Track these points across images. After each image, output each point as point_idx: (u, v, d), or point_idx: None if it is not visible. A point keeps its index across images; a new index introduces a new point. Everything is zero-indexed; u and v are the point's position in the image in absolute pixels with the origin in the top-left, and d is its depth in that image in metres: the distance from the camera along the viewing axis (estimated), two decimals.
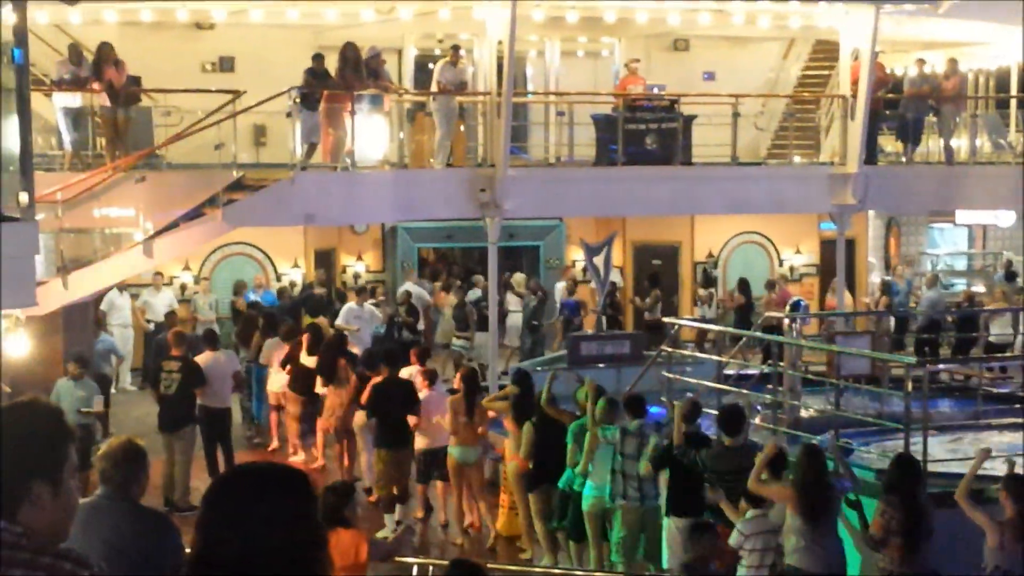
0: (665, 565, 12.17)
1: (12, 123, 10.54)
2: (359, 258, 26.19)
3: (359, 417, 16.51)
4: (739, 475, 11.08)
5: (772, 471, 10.79)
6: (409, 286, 24.03)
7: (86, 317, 18.80)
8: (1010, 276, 27.28)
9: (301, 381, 18.10)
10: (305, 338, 18.32)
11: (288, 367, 18.40)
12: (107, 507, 6.41)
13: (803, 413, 15.63)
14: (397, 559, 10.63)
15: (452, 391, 15.28)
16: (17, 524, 3.34)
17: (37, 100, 16.70)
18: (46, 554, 3.35)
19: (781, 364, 15.29)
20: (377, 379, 15.70)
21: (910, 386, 12.78)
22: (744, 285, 24.88)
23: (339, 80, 19.28)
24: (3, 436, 3.38)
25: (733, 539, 10.70)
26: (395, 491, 15.33)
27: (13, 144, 10.52)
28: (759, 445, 12.30)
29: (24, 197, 10.47)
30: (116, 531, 6.25)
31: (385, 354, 16.38)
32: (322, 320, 20.73)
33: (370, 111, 19.47)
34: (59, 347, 17.27)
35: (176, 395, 16.09)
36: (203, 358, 16.81)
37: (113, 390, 22.42)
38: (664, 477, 12.32)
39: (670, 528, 11.99)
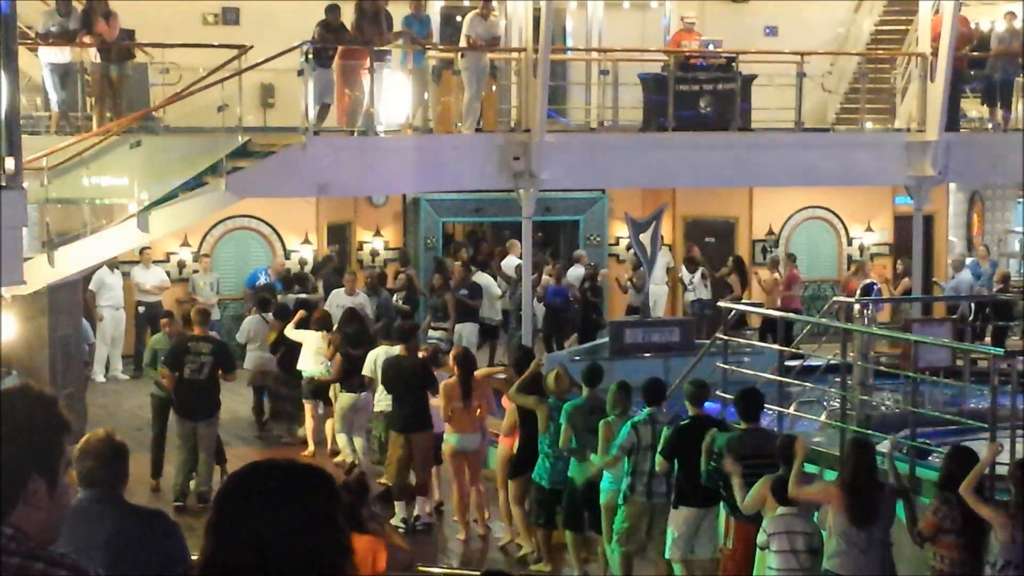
0: (667, 555, 12.47)
1: None
2: (377, 233, 26.21)
3: (343, 399, 17.15)
4: (755, 459, 11.42)
5: (788, 463, 10.90)
6: (512, 259, 24.05)
7: (74, 297, 18.90)
8: None
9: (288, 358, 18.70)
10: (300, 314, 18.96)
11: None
12: (100, 510, 6.42)
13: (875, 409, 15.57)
14: (420, 567, 10.69)
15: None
16: (7, 525, 3.33)
17: (21, 55, 16.71)
18: (38, 559, 3.33)
19: (851, 354, 15.23)
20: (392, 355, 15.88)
21: (996, 380, 12.70)
22: (739, 264, 24.83)
23: (356, 34, 19.30)
24: None
25: (759, 538, 10.88)
26: (411, 481, 15.48)
27: None
28: (773, 432, 12.81)
29: (10, 163, 10.53)
30: (116, 535, 6.27)
31: (400, 330, 16.54)
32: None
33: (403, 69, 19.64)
34: (44, 331, 17.37)
35: (206, 380, 16.11)
36: None
37: (102, 378, 22.63)
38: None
39: (677, 518, 12.30)
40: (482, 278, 23.38)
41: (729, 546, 11.89)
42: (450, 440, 15.12)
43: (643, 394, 12.87)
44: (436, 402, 15.25)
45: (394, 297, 22.80)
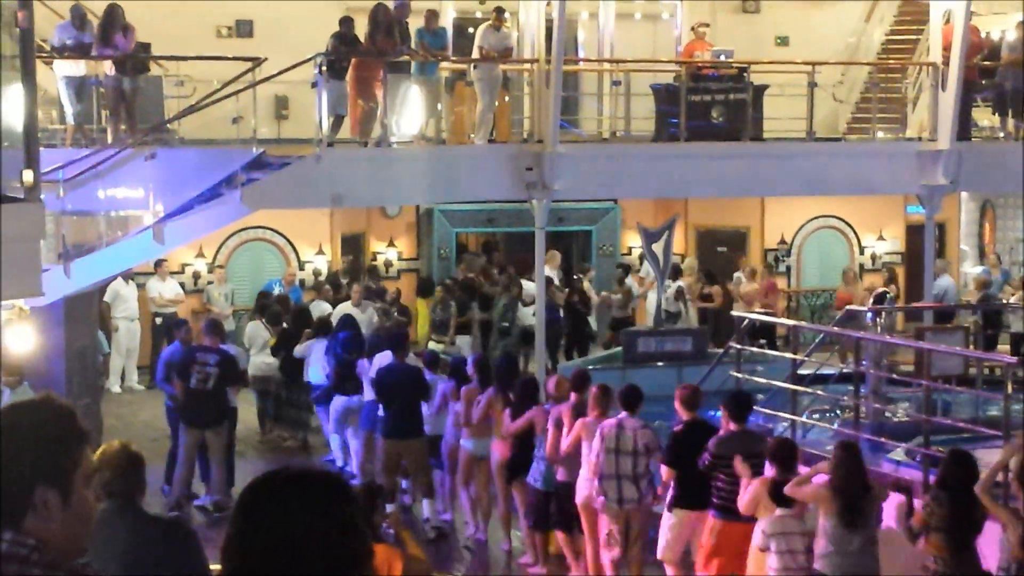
0: (659, 556, 12.77)
1: (15, 93, 10.63)
2: (391, 244, 26.26)
3: (336, 403, 17.52)
4: (744, 459, 11.71)
5: (781, 465, 11.23)
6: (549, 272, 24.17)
7: (90, 309, 18.93)
8: None
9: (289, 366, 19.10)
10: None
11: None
12: (117, 520, 6.46)
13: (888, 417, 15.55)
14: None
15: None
16: (28, 536, 3.33)
17: (36, 69, 16.80)
18: (59, 570, 3.34)
19: (864, 363, 15.22)
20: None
21: (1010, 388, 12.68)
22: (711, 277, 24.72)
23: (369, 46, 19.32)
24: (6, 437, 3.35)
25: (758, 539, 11.13)
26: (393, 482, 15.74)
27: (16, 117, 10.60)
28: (761, 432, 13.18)
29: (29, 175, 10.55)
30: (132, 545, 6.31)
31: (391, 338, 16.77)
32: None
33: (416, 81, 19.70)
34: (60, 342, 17.39)
35: (212, 390, 16.20)
36: None
37: (118, 389, 22.67)
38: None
39: (672, 520, 12.59)
40: (528, 286, 23.53)
41: (713, 542, 12.14)
42: (466, 445, 15.26)
43: (620, 400, 13.09)
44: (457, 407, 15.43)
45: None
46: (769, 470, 11.36)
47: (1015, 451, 11.02)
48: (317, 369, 18.30)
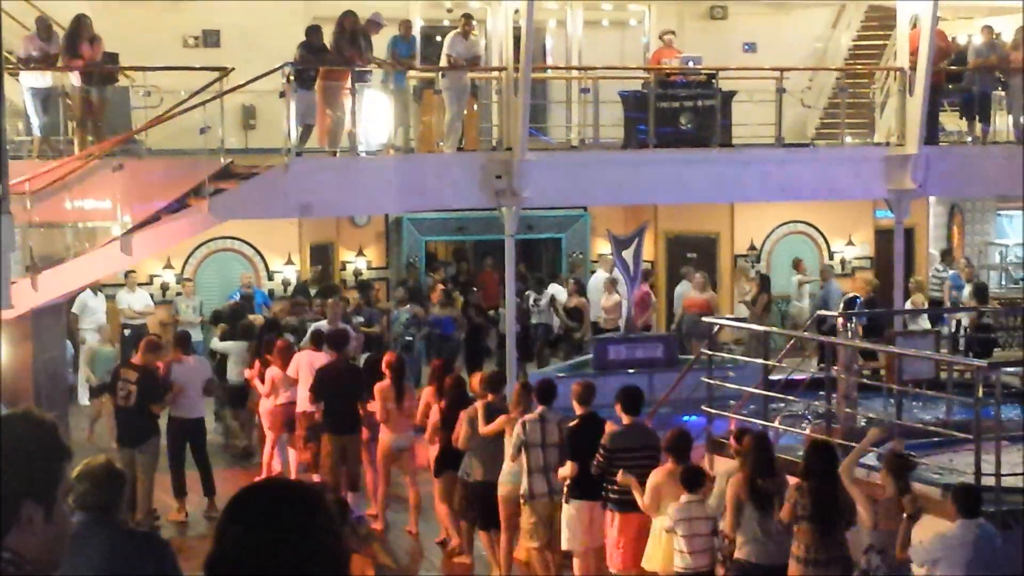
0: (565, 546, 13.26)
1: None
2: (360, 253, 26.25)
3: (264, 403, 17.82)
4: (636, 452, 12.57)
5: (675, 455, 12.15)
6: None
7: (58, 321, 18.88)
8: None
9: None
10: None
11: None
12: (93, 534, 6.45)
13: (860, 422, 15.62)
14: None
15: None
16: (6, 550, 3.34)
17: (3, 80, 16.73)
18: None
19: (835, 368, 15.28)
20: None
21: (980, 391, 12.76)
22: (580, 287, 24.81)
23: (337, 55, 19.32)
24: None
25: (665, 524, 11.85)
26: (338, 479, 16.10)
27: None
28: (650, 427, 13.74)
29: None
30: (109, 559, 6.30)
31: (329, 337, 17.01)
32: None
33: (384, 90, 19.84)
34: (28, 355, 17.33)
35: (135, 407, 15.95)
36: (175, 364, 16.97)
37: (86, 401, 22.56)
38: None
39: (571, 511, 13.05)
40: (553, 288, 24.23)
41: (615, 535, 12.73)
42: (385, 439, 15.87)
43: (536, 394, 13.61)
44: (371, 406, 16.05)
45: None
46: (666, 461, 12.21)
47: (877, 436, 12.00)
48: (233, 371, 19.31)
